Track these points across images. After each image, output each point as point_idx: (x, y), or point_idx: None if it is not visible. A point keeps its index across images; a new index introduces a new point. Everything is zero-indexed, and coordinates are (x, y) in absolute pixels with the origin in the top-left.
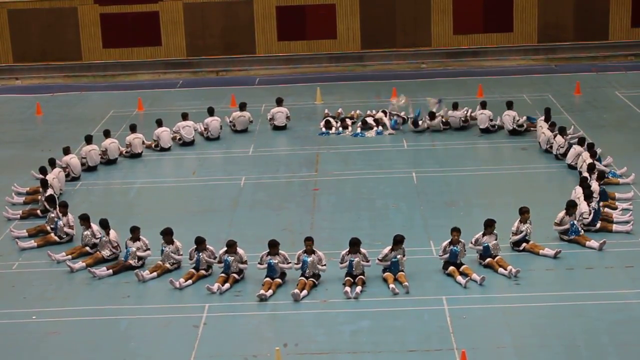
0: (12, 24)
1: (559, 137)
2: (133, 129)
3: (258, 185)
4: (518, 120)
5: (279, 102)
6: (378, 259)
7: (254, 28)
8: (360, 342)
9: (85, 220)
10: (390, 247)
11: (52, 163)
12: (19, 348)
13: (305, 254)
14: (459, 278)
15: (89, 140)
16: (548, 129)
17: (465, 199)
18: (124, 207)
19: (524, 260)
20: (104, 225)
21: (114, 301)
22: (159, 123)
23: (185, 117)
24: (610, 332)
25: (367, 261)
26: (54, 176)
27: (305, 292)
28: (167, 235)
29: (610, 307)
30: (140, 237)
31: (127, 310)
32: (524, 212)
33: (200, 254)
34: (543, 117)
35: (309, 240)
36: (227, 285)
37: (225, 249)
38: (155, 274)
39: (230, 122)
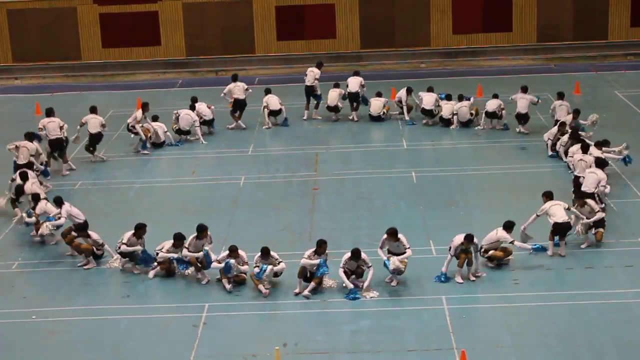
0: (11, 23)
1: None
2: (155, 119)
3: (257, 185)
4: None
5: (268, 91)
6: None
7: (253, 28)
8: (359, 341)
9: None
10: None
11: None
12: (19, 348)
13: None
14: (458, 279)
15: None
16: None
17: (465, 198)
18: (123, 207)
19: (524, 260)
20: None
21: (113, 301)
22: (155, 119)
23: (194, 101)
24: (609, 331)
25: (369, 266)
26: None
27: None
28: (178, 240)
29: (609, 307)
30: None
31: (126, 310)
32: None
33: (200, 240)
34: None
35: (324, 244)
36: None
37: (227, 252)
38: (158, 268)
39: (224, 94)
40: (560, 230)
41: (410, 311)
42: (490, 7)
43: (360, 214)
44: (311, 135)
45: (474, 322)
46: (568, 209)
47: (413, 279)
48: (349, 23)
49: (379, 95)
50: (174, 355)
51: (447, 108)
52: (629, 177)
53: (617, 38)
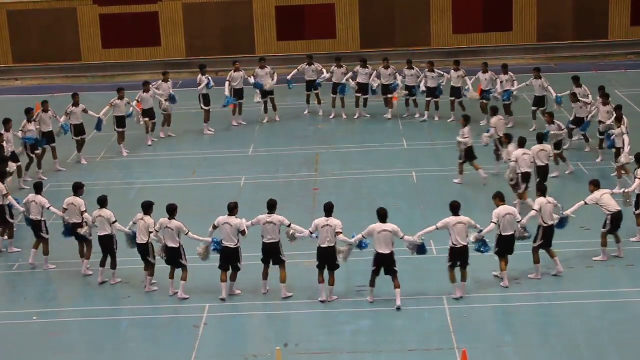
0: (11, 24)
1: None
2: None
3: (258, 185)
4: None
5: (165, 75)
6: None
7: (254, 28)
8: (360, 341)
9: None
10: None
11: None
12: (20, 349)
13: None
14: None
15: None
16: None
17: (466, 198)
18: (124, 208)
19: (524, 259)
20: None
21: (114, 302)
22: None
23: (202, 68)
24: (610, 331)
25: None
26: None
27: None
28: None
29: (610, 306)
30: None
31: (127, 310)
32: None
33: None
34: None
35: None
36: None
37: (227, 214)
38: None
39: (228, 80)
40: (617, 221)
41: (411, 311)
42: (490, 6)
43: (361, 214)
44: (311, 136)
45: (475, 322)
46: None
47: (414, 278)
48: (349, 23)
49: (385, 60)
50: (175, 356)
51: (456, 80)
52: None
53: (617, 37)
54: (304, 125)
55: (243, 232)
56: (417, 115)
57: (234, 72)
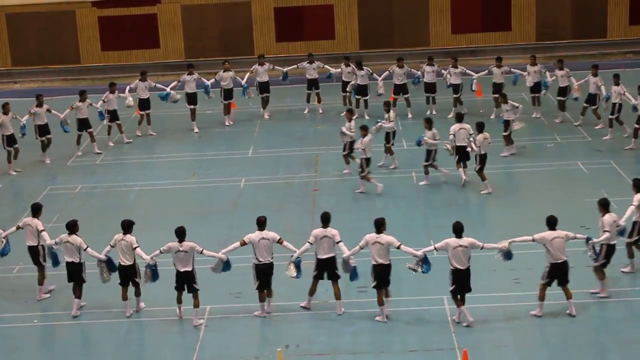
0: (10, 27)
1: None
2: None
3: (258, 186)
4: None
5: (143, 74)
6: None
7: (252, 29)
8: (361, 342)
9: None
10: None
11: None
12: (21, 352)
13: None
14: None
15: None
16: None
17: (465, 198)
18: (124, 210)
19: (525, 259)
20: None
21: (114, 304)
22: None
23: (190, 67)
24: (611, 330)
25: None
26: None
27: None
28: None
29: (611, 305)
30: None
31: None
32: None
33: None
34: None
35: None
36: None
37: (257, 229)
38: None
39: (216, 80)
40: None
41: (411, 311)
42: (489, 6)
43: (361, 215)
44: (311, 136)
45: (476, 322)
46: None
47: (415, 278)
48: (347, 24)
49: (400, 60)
50: (176, 358)
51: (499, 76)
52: (631, 176)
53: (616, 36)
54: (303, 126)
55: (280, 241)
56: (434, 112)
57: (223, 72)
